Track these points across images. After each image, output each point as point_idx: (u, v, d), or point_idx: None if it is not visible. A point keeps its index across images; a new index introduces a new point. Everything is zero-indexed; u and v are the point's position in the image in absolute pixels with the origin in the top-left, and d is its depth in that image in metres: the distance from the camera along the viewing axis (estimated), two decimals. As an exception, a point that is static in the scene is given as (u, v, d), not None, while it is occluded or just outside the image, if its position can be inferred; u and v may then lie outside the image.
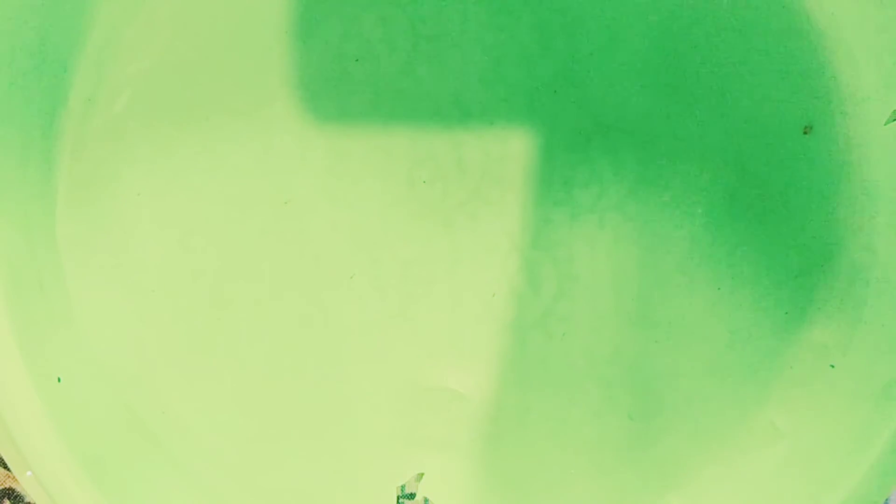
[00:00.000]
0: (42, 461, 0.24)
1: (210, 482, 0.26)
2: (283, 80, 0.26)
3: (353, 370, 0.27)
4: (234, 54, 0.26)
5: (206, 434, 0.27)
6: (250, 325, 0.27)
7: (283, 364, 0.27)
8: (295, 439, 0.27)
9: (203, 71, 0.26)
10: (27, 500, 0.31)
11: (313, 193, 0.27)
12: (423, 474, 0.27)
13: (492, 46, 0.26)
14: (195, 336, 0.27)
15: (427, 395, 0.27)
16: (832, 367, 0.25)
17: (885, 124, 0.24)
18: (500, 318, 0.27)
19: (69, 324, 0.25)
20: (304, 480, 0.27)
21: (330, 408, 0.27)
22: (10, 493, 0.31)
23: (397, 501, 0.27)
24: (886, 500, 0.24)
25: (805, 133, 0.25)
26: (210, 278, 0.27)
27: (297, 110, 0.26)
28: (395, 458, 0.27)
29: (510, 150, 0.27)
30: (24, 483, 0.24)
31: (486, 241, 0.27)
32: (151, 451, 0.26)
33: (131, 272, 0.26)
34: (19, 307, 0.24)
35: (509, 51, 0.26)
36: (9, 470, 0.30)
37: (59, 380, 0.24)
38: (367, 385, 0.27)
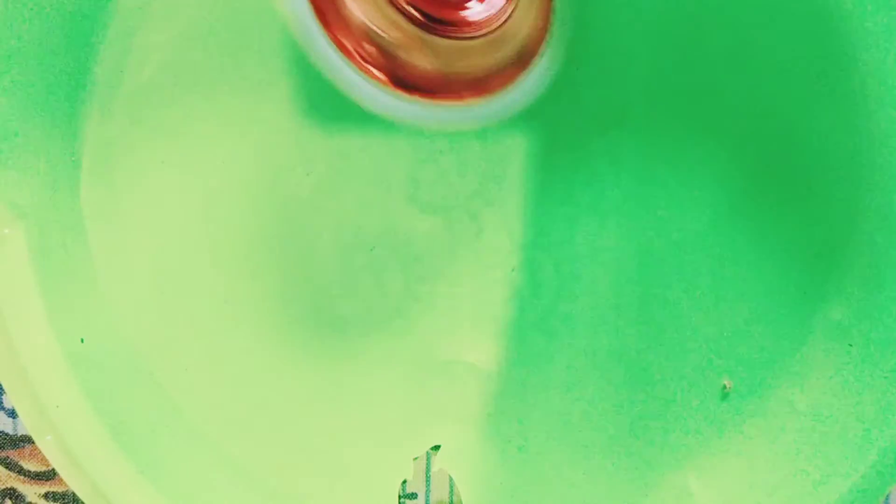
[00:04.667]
0: (65, 417, 0.24)
1: (227, 446, 0.27)
2: (284, 81, 0.26)
3: (356, 362, 0.27)
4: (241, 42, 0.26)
5: (224, 398, 0.27)
6: (271, 294, 0.27)
7: (301, 333, 0.27)
8: (312, 407, 0.27)
9: (228, 41, 0.26)
10: (28, 500, 0.31)
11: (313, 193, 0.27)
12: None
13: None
14: (215, 303, 0.27)
15: (428, 394, 0.27)
16: (850, 346, 0.25)
17: None
18: (501, 318, 0.27)
19: (92, 286, 0.26)
20: (320, 448, 0.27)
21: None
22: (11, 492, 0.31)
23: (398, 501, 0.27)
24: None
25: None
26: (232, 247, 0.27)
27: (298, 110, 0.26)
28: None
29: (511, 150, 0.27)
30: (44, 448, 0.24)
31: (486, 240, 0.27)
32: (171, 414, 0.26)
33: (153, 238, 0.26)
34: (44, 268, 0.24)
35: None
36: (10, 470, 0.31)
37: (82, 340, 0.25)
38: (366, 385, 0.27)
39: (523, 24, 0.26)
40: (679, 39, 0.26)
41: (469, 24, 0.26)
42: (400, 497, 0.28)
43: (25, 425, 0.24)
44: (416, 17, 0.25)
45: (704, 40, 0.26)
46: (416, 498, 0.29)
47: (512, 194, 0.27)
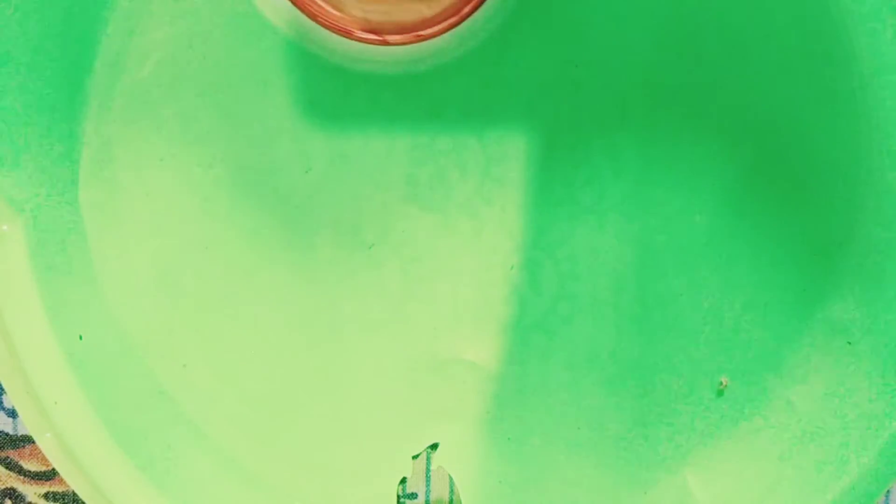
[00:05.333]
0: (63, 414, 0.24)
1: (226, 443, 0.27)
2: (283, 79, 0.26)
3: (355, 360, 0.27)
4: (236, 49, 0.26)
5: (223, 396, 0.27)
6: (268, 292, 0.27)
7: (300, 331, 0.27)
8: (311, 405, 0.27)
9: (227, 38, 0.26)
10: (28, 500, 0.31)
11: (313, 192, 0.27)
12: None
13: (491, 46, 0.26)
14: (213, 300, 0.27)
15: (427, 393, 0.27)
16: (849, 343, 0.25)
17: None
18: (501, 318, 0.27)
19: (91, 283, 0.26)
20: (320, 447, 0.27)
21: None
22: (11, 492, 0.31)
23: (398, 501, 0.27)
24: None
25: None
26: (229, 244, 0.27)
27: (298, 110, 0.26)
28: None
29: (510, 150, 0.27)
30: (43, 445, 0.24)
31: (486, 240, 0.27)
32: (169, 411, 0.27)
33: (152, 235, 0.26)
34: (43, 265, 0.25)
35: (509, 51, 0.26)
36: (10, 470, 0.31)
37: (80, 337, 0.25)
38: (364, 383, 0.27)
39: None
40: (679, 38, 0.26)
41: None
42: (400, 497, 0.28)
43: (24, 422, 0.24)
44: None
45: (704, 39, 0.26)
46: (416, 498, 0.29)
47: (512, 194, 0.27)
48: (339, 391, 0.27)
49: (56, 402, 0.24)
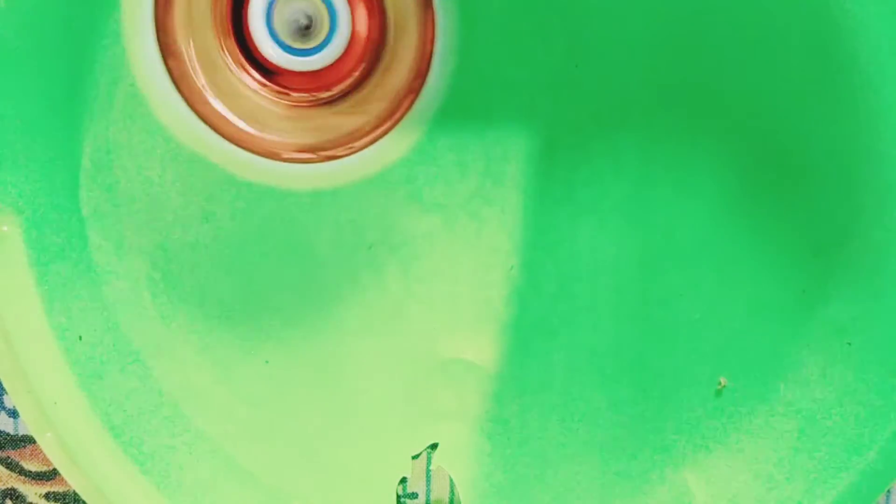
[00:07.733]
0: (63, 414, 0.24)
1: (226, 443, 0.27)
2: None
3: (355, 360, 0.27)
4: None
5: (223, 396, 0.27)
6: (269, 292, 0.27)
7: (300, 331, 0.27)
8: (311, 405, 0.27)
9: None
10: (28, 500, 0.31)
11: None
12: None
13: (492, 46, 0.26)
14: (214, 301, 0.27)
15: (427, 393, 0.27)
16: (849, 343, 0.25)
17: None
18: (501, 318, 0.27)
19: (91, 284, 0.26)
20: (320, 447, 0.27)
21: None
22: (12, 493, 0.31)
23: (398, 501, 0.27)
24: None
25: None
26: (231, 248, 0.27)
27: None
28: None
29: (511, 149, 0.27)
30: (43, 445, 0.24)
31: (486, 240, 0.27)
32: (169, 411, 0.27)
33: (152, 238, 0.26)
34: (43, 265, 0.25)
35: (511, 51, 0.26)
36: (11, 470, 0.31)
37: (80, 338, 0.25)
38: (364, 383, 0.27)
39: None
40: (679, 38, 0.26)
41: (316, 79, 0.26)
42: (400, 497, 0.28)
43: (25, 422, 0.24)
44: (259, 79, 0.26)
45: (705, 39, 0.26)
46: (416, 498, 0.29)
47: (512, 194, 0.27)
48: (339, 391, 0.27)
49: (56, 402, 0.24)
